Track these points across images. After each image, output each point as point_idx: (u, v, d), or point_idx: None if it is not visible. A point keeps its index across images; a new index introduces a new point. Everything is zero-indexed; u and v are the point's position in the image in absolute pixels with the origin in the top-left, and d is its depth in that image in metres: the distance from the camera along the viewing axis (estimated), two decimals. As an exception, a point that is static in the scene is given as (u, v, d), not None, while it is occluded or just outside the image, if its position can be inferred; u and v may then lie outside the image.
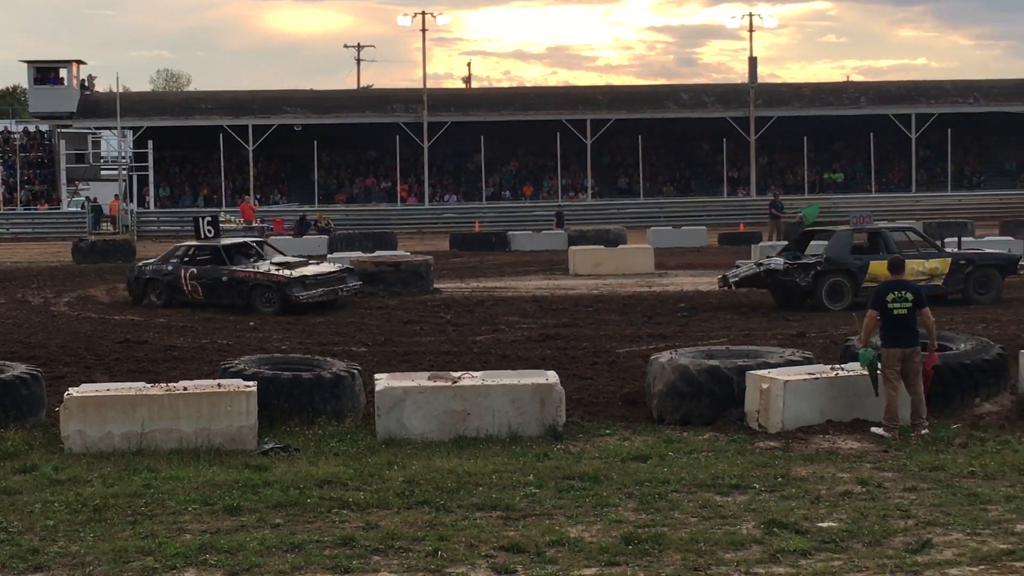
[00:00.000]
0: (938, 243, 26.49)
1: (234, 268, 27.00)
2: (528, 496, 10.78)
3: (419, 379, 13.88)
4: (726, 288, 25.85)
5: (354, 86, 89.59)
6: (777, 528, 9.62)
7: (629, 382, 16.42)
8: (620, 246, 39.70)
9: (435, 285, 30.03)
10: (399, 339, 21.70)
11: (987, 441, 12.91)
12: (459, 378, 13.84)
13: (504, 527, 9.86)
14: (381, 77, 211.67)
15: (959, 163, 69.89)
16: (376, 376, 14.23)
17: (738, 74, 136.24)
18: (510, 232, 47.81)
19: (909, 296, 13.52)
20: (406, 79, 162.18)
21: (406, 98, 67.70)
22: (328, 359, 15.82)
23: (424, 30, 68.36)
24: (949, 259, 25.19)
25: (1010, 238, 37.51)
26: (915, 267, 24.37)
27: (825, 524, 9.77)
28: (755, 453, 12.51)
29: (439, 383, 13.63)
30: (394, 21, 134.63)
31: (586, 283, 31.39)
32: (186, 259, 27.87)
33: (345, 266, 28.57)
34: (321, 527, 9.92)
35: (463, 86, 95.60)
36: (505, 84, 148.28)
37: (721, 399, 14.00)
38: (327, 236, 46.22)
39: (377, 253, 33.60)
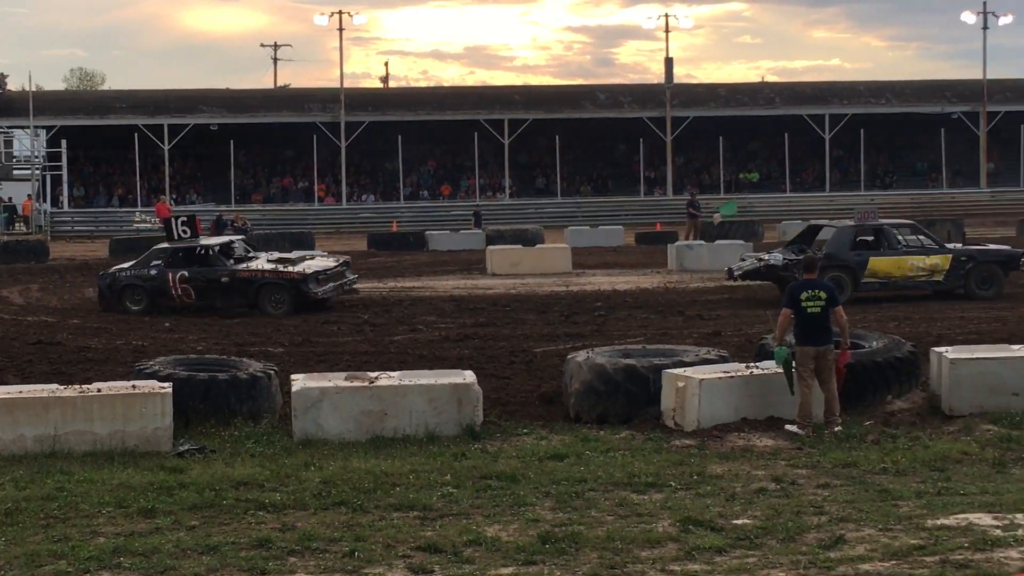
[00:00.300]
0: (940, 240, 27.31)
1: (236, 268, 25.88)
2: (445, 496, 10.78)
3: (336, 379, 13.85)
4: (732, 280, 26.59)
5: (271, 85, 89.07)
6: (693, 526, 9.69)
7: (546, 381, 16.48)
8: (538, 246, 39.80)
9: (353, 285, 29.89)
10: (316, 339, 21.62)
11: (899, 438, 13.09)
12: (376, 378, 13.82)
13: (421, 527, 9.86)
14: (298, 77, 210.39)
15: (872, 163, 70.69)
16: (292, 376, 14.18)
17: (655, 74, 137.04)
18: (428, 232, 47.71)
19: (822, 295, 13.68)
20: (323, 79, 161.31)
21: (323, 98, 67.35)
22: (244, 360, 15.76)
23: (341, 29, 67.97)
24: (950, 255, 25.85)
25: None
26: (916, 263, 25.54)
27: (740, 521, 9.85)
28: (671, 451, 12.60)
29: (356, 383, 13.60)
30: (311, 20, 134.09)
31: (504, 283, 31.41)
32: (173, 261, 26.19)
33: (343, 260, 27.98)
34: (237, 529, 9.86)
35: (380, 86, 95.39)
36: (423, 84, 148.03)
37: (638, 398, 14.09)
38: (244, 236, 45.81)
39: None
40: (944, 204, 63.56)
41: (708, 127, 66.38)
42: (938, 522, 9.73)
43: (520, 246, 38.43)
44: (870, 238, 26.00)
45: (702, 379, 13.58)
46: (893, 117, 70.34)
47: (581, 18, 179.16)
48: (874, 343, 15.37)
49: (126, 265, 27.13)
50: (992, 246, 28.25)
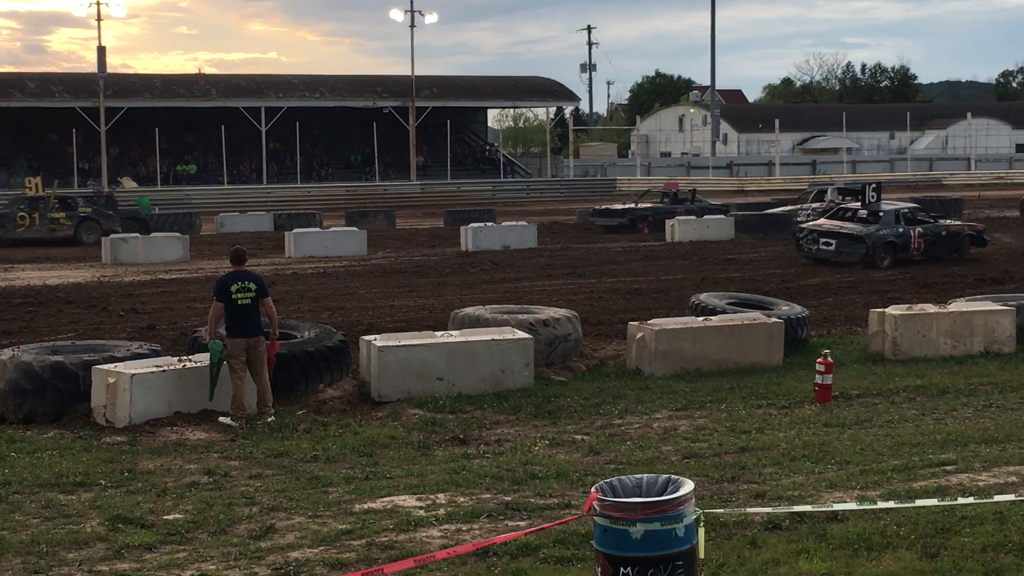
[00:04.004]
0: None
1: (948, 224, 32.25)
2: None
3: None
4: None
5: None
6: (122, 524, 9.52)
7: (-31, 382, 15.71)
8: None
9: None
10: None
11: (330, 425, 13.40)
12: None
13: None
14: None
15: (308, 155, 71.86)
16: None
17: (90, 63, 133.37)
18: None
19: (252, 286, 13.77)
20: None
21: None
22: None
23: None
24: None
25: (355, 228, 38.87)
26: None
27: (171, 516, 9.77)
28: (101, 449, 12.34)
29: None
30: None
31: (-76, 279, 29.69)
32: (908, 221, 30.94)
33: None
34: None
35: None
36: None
37: (67, 395, 13.74)
38: None
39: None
40: (377, 196, 65.46)
41: (144, 118, 65.48)
42: (365, 506, 10.02)
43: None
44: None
45: (133, 374, 13.37)
46: (328, 111, 71.84)
47: (10, 3, 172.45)
48: (306, 333, 15.66)
49: (876, 225, 30.55)
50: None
